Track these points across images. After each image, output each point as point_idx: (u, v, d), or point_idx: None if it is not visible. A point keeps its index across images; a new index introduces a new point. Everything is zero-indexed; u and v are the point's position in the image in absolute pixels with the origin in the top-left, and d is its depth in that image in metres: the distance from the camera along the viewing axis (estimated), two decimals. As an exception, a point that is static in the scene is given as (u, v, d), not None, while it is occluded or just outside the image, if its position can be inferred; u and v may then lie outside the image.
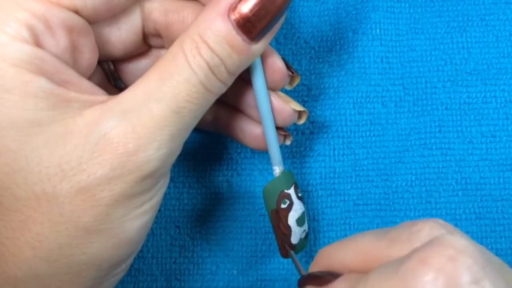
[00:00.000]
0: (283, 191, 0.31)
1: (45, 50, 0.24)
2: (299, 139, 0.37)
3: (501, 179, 0.36)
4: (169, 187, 0.36)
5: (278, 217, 0.31)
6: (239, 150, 0.37)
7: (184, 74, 0.24)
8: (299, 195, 0.32)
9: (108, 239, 0.24)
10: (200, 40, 0.25)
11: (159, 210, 0.36)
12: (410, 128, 0.37)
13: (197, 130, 0.37)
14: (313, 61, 0.38)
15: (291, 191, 0.31)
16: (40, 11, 0.23)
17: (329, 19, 0.38)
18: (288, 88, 0.31)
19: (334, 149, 0.37)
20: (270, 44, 0.29)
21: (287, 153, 0.37)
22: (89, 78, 0.27)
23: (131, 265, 0.36)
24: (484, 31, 0.37)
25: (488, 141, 0.36)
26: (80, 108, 0.24)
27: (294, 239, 0.32)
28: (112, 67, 0.31)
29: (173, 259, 0.36)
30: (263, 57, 0.29)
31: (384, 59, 0.37)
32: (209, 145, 0.37)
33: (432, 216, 0.36)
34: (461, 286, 0.19)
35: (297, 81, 0.31)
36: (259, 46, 0.26)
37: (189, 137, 0.36)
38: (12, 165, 0.23)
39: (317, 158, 0.37)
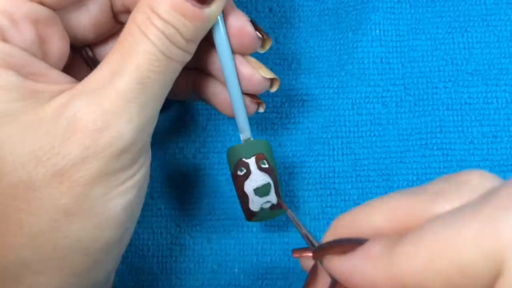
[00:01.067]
0: (240, 159, 0.31)
1: (11, 44, 0.24)
2: (299, 138, 0.37)
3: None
4: (169, 186, 0.37)
5: (236, 182, 0.31)
6: (238, 149, 0.37)
7: (142, 45, 0.24)
8: (264, 166, 0.31)
9: (90, 219, 0.24)
10: (151, 11, 0.25)
11: (160, 209, 0.36)
12: (411, 128, 0.37)
13: (197, 128, 0.37)
14: (312, 61, 0.38)
15: (251, 161, 0.31)
16: (2, 5, 0.24)
17: (329, 19, 0.38)
18: (260, 51, 0.31)
19: (333, 149, 0.37)
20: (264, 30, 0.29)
21: (286, 153, 0.37)
22: (70, 68, 0.27)
23: (132, 264, 0.36)
24: (485, 31, 0.37)
25: (489, 142, 0.36)
26: (50, 97, 0.24)
27: (253, 207, 0.32)
28: (90, 53, 0.31)
29: (174, 258, 0.36)
30: (230, 21, 0.28)
31: (384, 60, 0.37)
32: (208, 143, 0.37)
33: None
34: None
35: (268, 44, 0.30)
36: (212, 9, 0.26)
37: (189, 136, 0.37)
38: None
39: (317, 158, 0.37)
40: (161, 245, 0.36)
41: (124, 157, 0.24)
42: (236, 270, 0.36)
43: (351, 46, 0.38)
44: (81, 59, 0.31)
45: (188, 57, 0.26)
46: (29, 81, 0.24)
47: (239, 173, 0.31)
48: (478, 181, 0.19)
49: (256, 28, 0.29)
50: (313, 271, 0.23)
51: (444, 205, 0.19)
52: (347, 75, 0.37)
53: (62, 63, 0.27)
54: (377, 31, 0.38)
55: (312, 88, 0.37)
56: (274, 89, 0.32)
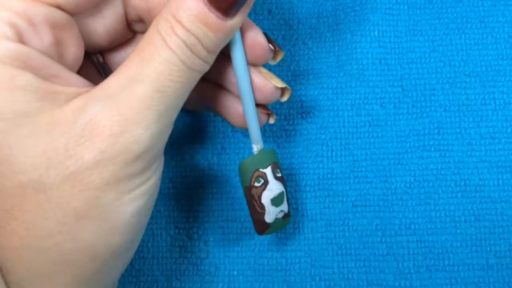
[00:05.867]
0: (258, 169, 0.31)
1: (29, 47, 0.24)
2: (297, 139, 0.37)
3: (500, 181, 0.36)
4: (167, 187, 0.37)
5: (251, 195, 0.31)
6: (237, 151, 0.37)
7: (163, 54, 0.24)
8: (278, 175, 0.31)
9: (101, 224, 0.24)
10: (174, 20, 0.25)
11: (159, 211, 0.36)
12: (409, 130, 0.37)
13: (194, 129, 0.37)
14: (311, 62, 0.38)
15: (267, 170, 0.31)
16: (21, 9, 0.24)
17: (327, 21, 0.38)
18: (271, 63, 0.31)
19: (332, 150, 0.37)
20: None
21: (285, 154, 0.37)
22: (80, 73, 0.27)
23: (132, 265, 0.36)
24: (483, 33, 0.37)
25: (487, 143, 0.36)
26: (67, 99, 0.24)
27: (268, 218, 0.31)
28: (101, 59, 0.31)
29: (174, 259, 0.36)
30: (244, 33, 0.29)
31: (382, 61, 0.37)
32: (207, 144, 0.37)
33: (431, 218, 0.36)
34: None
35: (280, 55, 0.31)
36: (234, 21, 0.26)
37: (187, 137, 0.37)
38: None
39: (315, 159, 0.37)
40: (161, 246, 0.36)
41: (138, 163, 0.24)
42: (235, 272, 0.36)
43: (349, 47, 0.38)
44: (91, 64, 0.31)
45: (207, 68, 0.26)
46: (47, 82, 0.24)
47: (256, 184, 0.31)
48: None
49: (269, 40, 0.30)
50: None
51: None
52: (346, 76, 0.37)
53: (76, 68, 0.27)
54: (376, 32, 0.38)
55: (311, 89, 0.37)
56: (285, 98, 0.32)
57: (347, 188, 0.36)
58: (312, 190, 0.36)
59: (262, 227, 0.32)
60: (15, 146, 0.23)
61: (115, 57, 0.31)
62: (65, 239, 0.24)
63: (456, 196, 0.36)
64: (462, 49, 0.37)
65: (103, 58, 0.31)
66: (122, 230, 0.25)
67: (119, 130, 0.23)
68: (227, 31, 0.26)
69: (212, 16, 0.25)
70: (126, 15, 0.29)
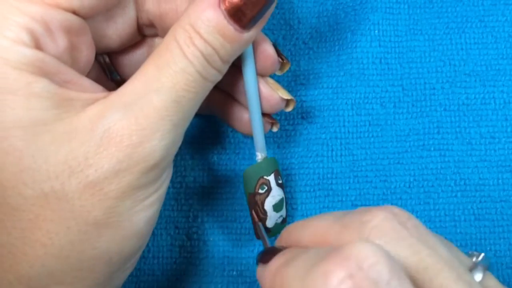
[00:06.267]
0: (262, 177, 0.32)
1: (45, 52, 0.24)
2: (297, 139, 0.37)
3: (500, 180, 0.36)
4: (167, 187, 0.36)
5: (255, 201, 0.32)
6: (237, 151, 0.37)
7: (180, 63, 0.25)
8: (280, 182, 0.32)
9: (118, 232, 0.25)
10: (192, 30, 0.25)
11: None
12: (408, 129, 0.37)
13: (194, 129, 0.37)
14: (311, 61, 0.38)
15: (271, 177, 0.32)
16: (39, 14, 0.24)
17: (328, 20, 0.38)
18: (278, 74, 0.32)
19: (332, 150, 0.37)
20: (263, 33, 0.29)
21: (285, 154, 0.37)
22: (86, 73, 0.28)
23: (132, 265, 0.36)
24: (483, 32, 0.37)
25: (487, 142, 0.36)
26: (82, 106, 0.24)
27: (269, 223, 0.32)
28: (107, 60, 0.31)
29: (174, 259, 0.36)
30: (255, 44, 0.29)
31: (383, 60, 0.37)
32: (207, 145, 0.37)
33: (430, 217, 0.36)
34: None
35: (287, 67, 0.32)
36: (251, 34, 0.26)
37: (187, 137, 0.37)
38: (19, 165, 0.23)
39: (315, 159, 0.37)
40: (161, 246, 0.36)
41: (153, 173, 0.25)
42: (234, 272, 0.36)
43: (350, 46, 0.38)
44: (97, 64, 0.31)
45: (219, 78, 0.27)
46: (63, 88, 0.24)
47: (260, 191, 0.32)
48: (377, 222, 0.22)
49: (277, 52, 0.30)
50: None
51: (345, 238, 0.23)
52: (346, 76, 0.37)
53: (87, 70, 0.28)
54: (376, 31, 0.38)
55: (311, 88, 0.37)
56: (289, 109, 0.33)
57: (347, 187, 0.36)
58: (312, 190, 0.36)
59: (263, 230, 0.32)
60: (37, 154, 0.23)
61: (122, 59, 0.31)
62: (85, 247, 0.24)
63: (455, 196, 0.36)
64: (462, 49, 0.37)
65: (110, 59, 0.31)
66: (135, 237, 0.26)
67: (136, 140, 0.24)
68: (243, 43, 0.26)
69: (230, 28, 0.25)
70: (137, 19, 0.29)
